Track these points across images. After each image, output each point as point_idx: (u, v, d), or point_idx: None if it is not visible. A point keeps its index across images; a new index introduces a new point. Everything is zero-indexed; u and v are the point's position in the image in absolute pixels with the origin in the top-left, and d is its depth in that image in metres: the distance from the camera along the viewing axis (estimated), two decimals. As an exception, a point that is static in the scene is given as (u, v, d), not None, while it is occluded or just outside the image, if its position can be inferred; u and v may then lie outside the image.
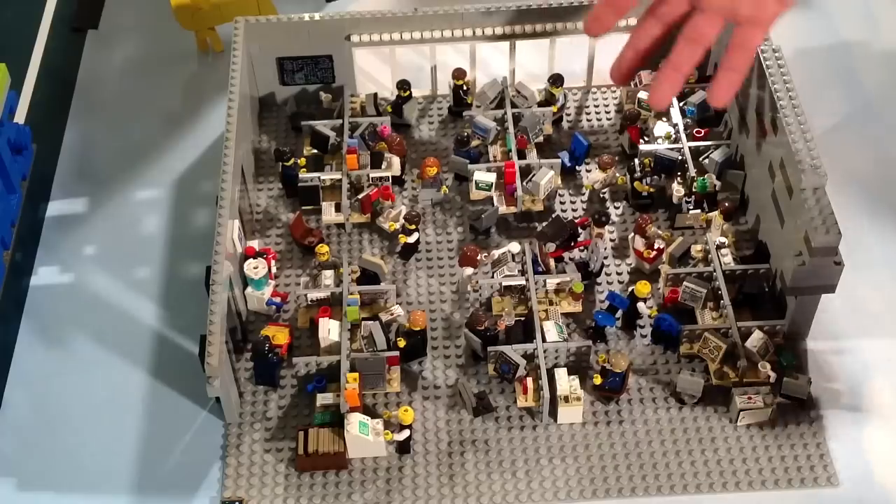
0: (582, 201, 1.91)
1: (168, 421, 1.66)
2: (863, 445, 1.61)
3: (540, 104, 2.00)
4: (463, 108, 2.01)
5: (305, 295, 1.74)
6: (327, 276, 1.77)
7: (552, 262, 1.77)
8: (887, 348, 1.72)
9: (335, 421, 1.59)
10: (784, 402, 1.64)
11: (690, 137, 1.90)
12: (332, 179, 1.89)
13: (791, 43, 1.88)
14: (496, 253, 1.78)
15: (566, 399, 1.62)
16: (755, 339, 1.64)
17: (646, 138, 1.93)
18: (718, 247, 1.76)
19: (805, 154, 1.61)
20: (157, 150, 2.05)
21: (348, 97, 2.02)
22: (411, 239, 1.83)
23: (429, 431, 1.63)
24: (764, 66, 1.73)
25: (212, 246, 1.64)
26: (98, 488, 1.60)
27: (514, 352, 1.64)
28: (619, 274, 1.80)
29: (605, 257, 1.81)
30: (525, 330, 1.68)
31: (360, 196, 1.87)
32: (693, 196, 1.84)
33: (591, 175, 1.91)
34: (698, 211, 1.85)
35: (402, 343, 1.67)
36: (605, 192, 1.91)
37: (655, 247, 1.78)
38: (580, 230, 1.83)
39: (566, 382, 1.63)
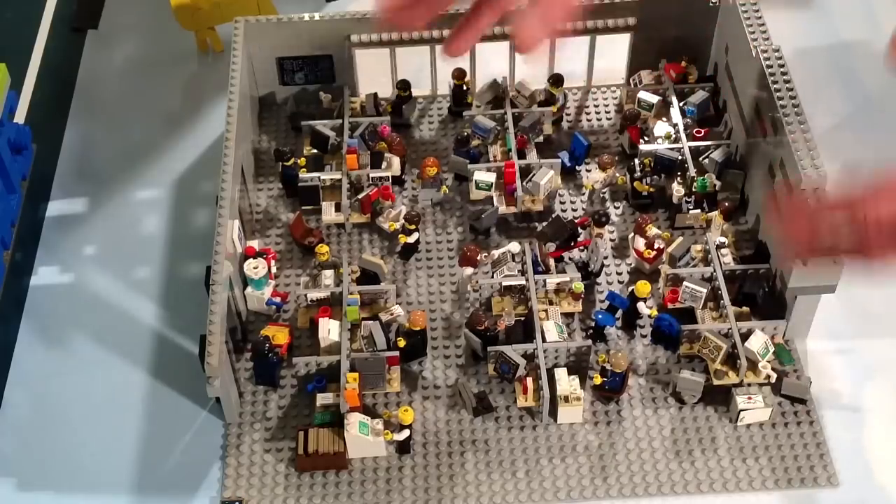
0: (582, 201, 1.91)
1: (168, 421, 1.66)
2: (863, 445, 1.61)
3: (540, 104, 2.00)
4: (463, 108, 2.01)
5: (305, 295, 1.74)
6: (327, 276, 1.77)
7: (552, 262, 1.77)
8: (887, 348, 1.72)
9: (335, 421, 1.59)
10: (784, 402, 1.64)
11: (690, 137, 1.90)
12: (332, 179, 1.89)
13: (791, 43, 1.87)
14: (496, 253, 1.78)
15: (566, 399, 1.62)
16: (755, 339, 1.64)
17: (646, 138, 1.93)
18: (718, 247, 1.76)
19: (805, 154, 1.61)
20: (157, 150, 2.05)
21: (348, 97, 2.02)
22: (411, 239, 1.83)
23: (429, 431, 1.63)
24: (764, 66, 1.73)
25: (212, 246, 1.64)
26: (98, 488, 1.60)
27: (514, 352, 1.64)
28: (619, 274, 1.80)
29: (605, 257, 1.81)
30: (525, 330, 1.68)
31: (360, 196, 1.87)
32: (693, 196, 1.84)
33: (591, 175, 1.91)
34: (698, 211, 1.85)
35: (402, 343, 1.67)
36: (605, 192, 1.91)
37: (655, 247, 1.78)
38: (580, 230, 1.83)
39: (566, 382, 1.63)
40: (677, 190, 1.84)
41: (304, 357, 1.67)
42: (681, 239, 1.79)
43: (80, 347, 1.77)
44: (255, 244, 1.80)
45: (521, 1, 1.24)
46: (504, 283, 1.73)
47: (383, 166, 1.91)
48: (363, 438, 1.57)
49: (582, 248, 1.81)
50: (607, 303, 1.74)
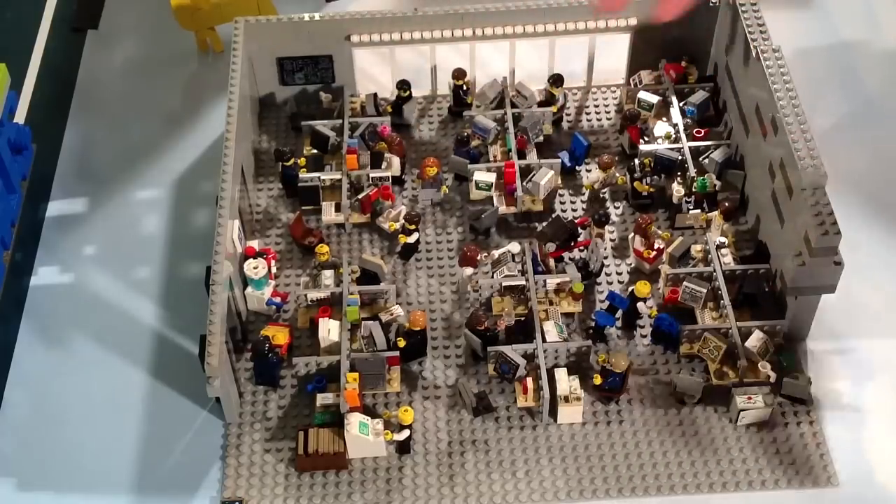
0: (582, 201, 1.91)
1: (168, 421, 1.66)
2: (863, 445, 1.61)
3: (540, 104, 2.00)
4: (463, 108, 2.01)
5: (305, 295, 1.74)
6: (327, 276, 1.77)
7: (552, 262, 1.77)
8: (887, 348, 1.72)
9: (335, 421, 1.60)
10: (784, 402, 1.64)
11: (690, 137, 1.90)
12: (332, 179, 1.89)
13: (791, 43, 1.87)
14: (496, 253, 1.78)
15: (566, 399, 1.62)
16: (755, 339, 1.64)
17: (646, 138, 1.93)
18: (718, 247, 1.76)
19: (805, 154, 1.61)
20: (157, 150, 2.05)
21: (348, 97, 2.02)
22: (411, 239, 1.83)
23: (429, 431, 1.63)
24: (764, 66, 1.73)
25: (212, 246, 1.64)
26: (98, 488, 1.60)
27: (514, 352, 1.64)
28: (619, 274, 1.80)
29: (605, 257, 1.82)
30: (525, 330, 1.68)
31: (360, 196, 1.87)
32: (693, 196, 1.84)
33: (591, 175, 1.91)
34: (698, 211, 1.85)
35: (402, 343, 1.67)
36: (605, 192, 1.91)
37: (655, 247, 1.78)
38: (580, 230, 1.83)
39: (566, 382, 1.63)
40: (677, 190, 1.84)
41: (304, 357, 1.67)
42: (681, 239, 1.79)
43: (80, 347, 1.76)
44: (255, 244, 1.80)
45: None
46: (504, 283, 1.73)
47: (383, 166, 1.91)
48: (363, 438, 1.57)
49: (582, 248, 1.81)
50: (607, 303, 1.74)
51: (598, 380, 1.63)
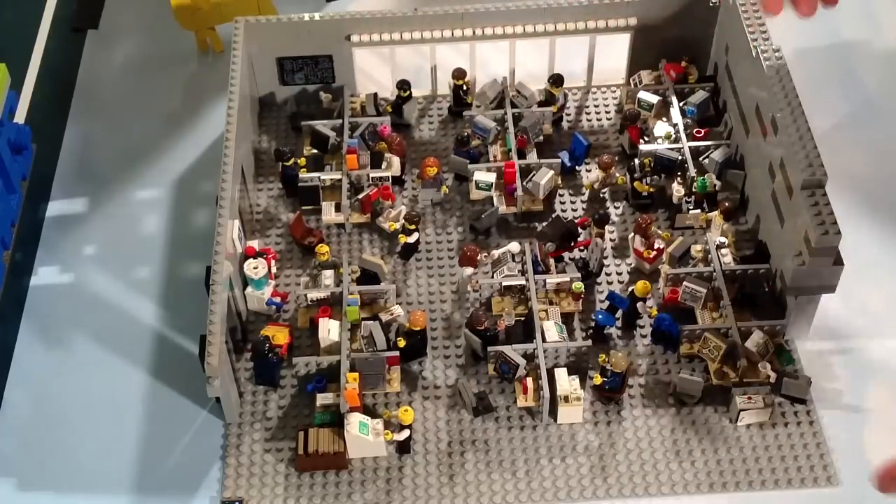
0: (582, 201, 1.91)
1: (168, 421, 1.66)
2: (863, 445, 1.61)
3: (540, 104, 2.00)
4: (463, 108, 2.01)
5: (305, 295, 1.74)
6: (327, 276, 1.77)
7: (552, 262, 1.77)
8: (887, 348, 1.72)
9: (335, 421, 1.60)
10: (784, 402, 1.64)
11: (690, 137, 1.90)
12: (332, 179, 1.89)
13: (791, 43, 1.87)
14: (496, 253, 1.78)
15: (566, 399, 1.62)
16: (755, 339, 1.64)
17: (646, 138, 1.93)
18: (718, 247, 1.76)
19: (805, 154, 1.61)
20: (157, 150, 2.05)
21: (348, 97, 2.02)
22: (411, 239, 1.83)
23: (429, 431, 1.63)
24: (764, 66, 1.73)
25: (212, 246, 1.64)
26: (98, 488, 1.60)
27: (514, 352, 1.64)
28: (619, 274, 1.80)
29: (605, 257, 1.82)
30: (525, 330, 1.68)
31: (360, 196, 1.87)
32: (693, 196, 1.84)
33: (591, 175, 1.91)
34: (698, 211, 1.85)
35: (402, 343, 1.67)
36: (605, 192, 1.91)
37: (655, 247, 1.78)
38: (580, 230, 1.83)
39: (566, 382, 1.63)
40: (677, 190, 1.84)
41: (304, 357, 1.67)
42: (681, 239, 1.79)
43: (80, 347, 1.77)
44: (255, 244, 1.80)
45: None
46: (504, 283, 1.73)
47: (383, 166, 1.91)
48: (363, 438, 1.57)
49: (582, 248, 1.81)
50: (607, 303, 1.74)
51: (598, 380, 1.63)
